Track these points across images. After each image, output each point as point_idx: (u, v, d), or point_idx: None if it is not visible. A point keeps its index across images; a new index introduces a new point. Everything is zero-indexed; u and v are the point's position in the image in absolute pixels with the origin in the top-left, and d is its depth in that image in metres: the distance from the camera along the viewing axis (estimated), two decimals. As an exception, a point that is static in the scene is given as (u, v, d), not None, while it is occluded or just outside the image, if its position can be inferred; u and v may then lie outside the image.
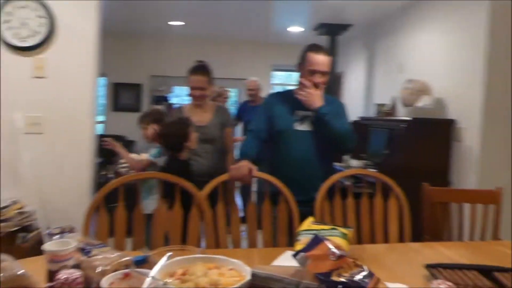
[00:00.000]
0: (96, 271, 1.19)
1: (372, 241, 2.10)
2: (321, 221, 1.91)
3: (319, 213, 2.06)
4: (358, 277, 1.06)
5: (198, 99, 2.83)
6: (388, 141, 3.98)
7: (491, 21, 3.37)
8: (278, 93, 2.52)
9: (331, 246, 1.14)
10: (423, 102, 3.86)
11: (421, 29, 4.44)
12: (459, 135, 3.67)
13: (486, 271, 1.46)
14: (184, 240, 1.80)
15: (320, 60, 2.23)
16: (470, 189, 2.35)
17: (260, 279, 1.17)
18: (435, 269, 1.47)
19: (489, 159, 3.45)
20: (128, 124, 6.46)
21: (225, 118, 2.93)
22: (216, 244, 1.85)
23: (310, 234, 1.62)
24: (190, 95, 2.87)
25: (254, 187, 4.53)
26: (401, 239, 2.11)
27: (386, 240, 2.11)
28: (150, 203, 2.62)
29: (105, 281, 1.16)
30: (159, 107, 5.47)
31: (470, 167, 3.54)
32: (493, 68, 3.40)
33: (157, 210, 1.83)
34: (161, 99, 7.04)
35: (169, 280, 1.11)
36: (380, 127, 4.31)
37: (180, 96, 7.97)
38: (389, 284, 1.19)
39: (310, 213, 2.06)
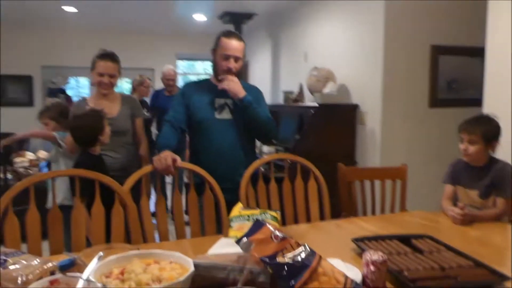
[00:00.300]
0: (18, 282, 1.06)
1: (295, 221, 2.17)
2: (249, 207, 1.92)
3: (244, 199, 2.07)
4: (302, 256, 1.08)
5: (106, 87, 2.62)
6: (298, 127, 4.13)
7: (388, 11, 3.65)
8: (195, 82, 2.46)
9: (273, 229, 1.14)
10: (329, 88, 4.07)
11: (324, 19, 4.66)
12: (363, 119, 3.94)
13: (405, 239, 1.59)
14: (108, 239, 1.68)
15: (233, 45, 2.22)
16: (380, 167, 2.54)
17: (202, 268, 1.14)
18: (361, 242, 1.56)
19: (388, 139, 3.77)
20: (19, 120, 5.85)
21: (135, 109, 2.77)
22: (143, 239, 1.76)
23: (242, 220, 1.63)
24: (96, 83, 2.65)
25: (168, 179, 4.42)
26: (321, 218, 2.21)
27: (308, 219, 2.20)
28: (58, 191, 2.43)
29: (29, 292, 1.04)
30: (57, 100, 5.02)
31: (373, 148, 3.84)
32: (390, 56, 3.70)
33: (75, 209, 1.68)
34: (57, 91, 6.48)
35: (107, 282, 1.03)
36: (289, 113, 4.45)
37: (77, 88, 7.44)
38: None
39: (235, 200, 2.07)
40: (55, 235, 1.60)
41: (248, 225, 1.58)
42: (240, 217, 1.65)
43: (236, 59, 2.23)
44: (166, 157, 1.92)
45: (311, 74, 4.29)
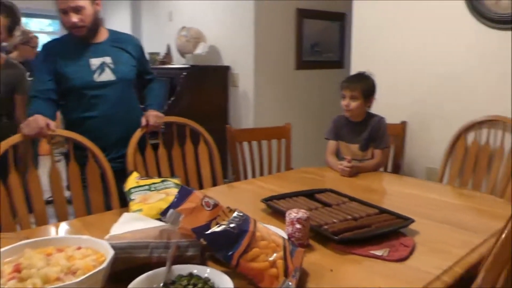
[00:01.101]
0: None
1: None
2: (146, 176, 1.74)
3: (132, 167, 1.87)
4: (237, 222, 0.99)
5: None
6: (170, 90, 3.92)
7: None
8: (56, 41, 2.03)
9: (202, 196, 1.02)
10: (200, 49, 3.93)
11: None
12: (235, 81, 3.92)
13: (309, 195, 1.62)
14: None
15: None
16: (266, 127, 2.55)
17: (120, 250, 0.96)
18: (271, 201, 1.54)
19: (261, 101, 3.83)
20: None
21: (16, 82, 2.21)
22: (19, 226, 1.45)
23: (143, 190, 1.46)
24: None
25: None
26: (214, 182, 2.14)
27: (200, 184, 2.11)
28: None
29: None
30: None
31: (246, 109, 3.87)
32: (260, 18, 3.71)
33: None
34: None
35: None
36: (159, 76, 4.18)
37: None
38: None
39: (122, 169, 1.86)
40: None
41: (152, 195, 1.42)
42: (139, 187, 1.47)
43: (77, 9, 1.83)
44: (35, 119, 1.59)
45: (180, 34, 4.07)
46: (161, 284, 0.90)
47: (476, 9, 2.27)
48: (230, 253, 0.94)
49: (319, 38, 4.22)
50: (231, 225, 0.98)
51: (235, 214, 1.02)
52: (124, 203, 1.64)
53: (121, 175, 1.71)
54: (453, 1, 2.39)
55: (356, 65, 2.90)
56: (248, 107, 3.86)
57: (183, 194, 1.00)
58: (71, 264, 0.86)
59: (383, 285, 1.01)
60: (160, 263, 0.97)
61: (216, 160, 2.16)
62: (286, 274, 0.95)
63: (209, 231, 0.96)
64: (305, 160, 3.29)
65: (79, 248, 0.95)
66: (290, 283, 0.93)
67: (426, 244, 1.25)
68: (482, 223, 1.49)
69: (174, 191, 1.47)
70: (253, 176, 2.38)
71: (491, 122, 2.29)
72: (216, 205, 1.01)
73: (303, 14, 4.01)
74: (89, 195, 1.72)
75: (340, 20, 4.31)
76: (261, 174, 2.41)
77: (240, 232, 0.97)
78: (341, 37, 4.37)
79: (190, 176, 2.10)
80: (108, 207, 1.74)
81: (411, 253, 1.18)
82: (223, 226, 0.97)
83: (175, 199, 1.00)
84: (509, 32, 2.19)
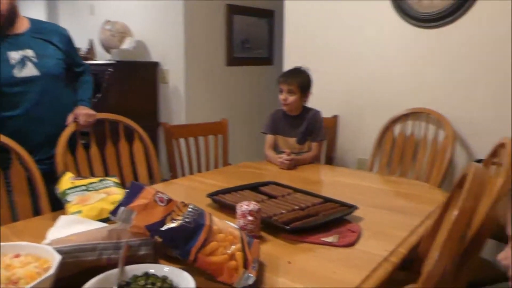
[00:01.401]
0: None
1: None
2: (80, 176, 1.62)
3: (63, 168, 1.74)
4: (193, 216, 0.96)
5: None
6: (95, 87, 3.70)
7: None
8: None
9: (155, 191, 0.97)
10: (127, 44, 3.76)
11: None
12: (165, 77, 3.81)
13: (254, 188, 1.62)
14: None
15: None
16: (202, 123, 2.50)
17: (66, 254, 0.89)
18: (216, 196, 1.51)
19: (192, 97, 3.77)
20: None
21: None
22: None
23: (80, 191, 1.36)
24: None
25: None
26: (151, 180, 2.06)
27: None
28: None
29: None
30: None
31: (178, 106, 3.78)
32: (190, 14, 3.63)
33: None
34: None
35: None
36: (82, 72, 3.94)
37: None
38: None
39: (51, 171, 1.73)
40: None
41: (91, 196, 1.34)
42: (76, 188, 1.37)
43: None
44: None
45: (103, 28, 3.86)
46: (115, 287, 0.84)
47: (401, 8, 2.42)
48: (187, 248, 0.91)
49: (249, 34, 4.24)
50: (187, 220, 0.94)
51: (189, 208, 0.98)
52: (55, 207, 1.52)
53: (50, 177, 1.59)
54: (379, 0, 2.52)
55: (288, 62, 2.95)
56: (179, 103, 3.77)
57: (134, 191, 0.95)
58: (11, 274, 0.77)
59: (337, 270, 1.04)
60: (110, 265, 0.91)
61: (152, 157, 2.08)
62: (245, 266, 0.93)
63: (164, 228, 0.91)
64: (238, 155, 3.30)
65: (17, 256, 0.85)
66: (250, 275, 0.92)
67: (370, 228, 1.30)
68: (413, 206, 1.60)
69: (115, 190, 1.40)
70: (191, 173, 2.33)
71: (415, 114, 2.45)
72: (170, 200, 0.97)
73: (233, 10, 4.00)
74: (15, 199, 1.56)
75: (269, 17, 4.36)
76: (199, 170, 2.37)
77: (196, 226, 0.94)
78: (270, 34, 4.43)
79: (126, 175, 2.01)
80: (36, 212, 1.60)
81: (358, 238, 1.22)
82: (179, 221, 0.93)
83: (126, 196, 0.94)
84: (431, 30, 2.36)
